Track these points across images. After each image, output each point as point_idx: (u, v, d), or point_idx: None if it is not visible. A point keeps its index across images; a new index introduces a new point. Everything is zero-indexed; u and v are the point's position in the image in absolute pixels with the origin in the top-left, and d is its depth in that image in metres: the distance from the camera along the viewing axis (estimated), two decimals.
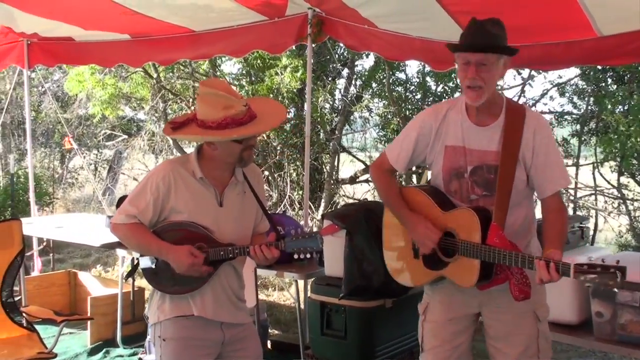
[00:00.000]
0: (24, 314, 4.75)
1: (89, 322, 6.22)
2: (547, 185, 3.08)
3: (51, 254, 8.35)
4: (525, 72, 8.99)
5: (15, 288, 5.53)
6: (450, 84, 9.24)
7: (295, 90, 9.35)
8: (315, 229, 7.87)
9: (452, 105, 3.23)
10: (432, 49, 5.17)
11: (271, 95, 9.06)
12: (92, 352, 6.10)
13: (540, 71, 8.73)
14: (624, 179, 9.11)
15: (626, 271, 2.56)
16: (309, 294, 5.15)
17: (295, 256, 3.13)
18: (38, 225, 7.24)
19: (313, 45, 5.95)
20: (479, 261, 2.97)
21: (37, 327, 4.80)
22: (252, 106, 3.15)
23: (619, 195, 9.06)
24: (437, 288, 3.29)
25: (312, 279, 5.10)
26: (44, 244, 7.84)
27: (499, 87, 9.34)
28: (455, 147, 3.17)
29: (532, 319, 3.17)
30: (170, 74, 10.62)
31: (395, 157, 3.34)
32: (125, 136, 13.34)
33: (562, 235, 3.02)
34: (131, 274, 3.93)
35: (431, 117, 3.26)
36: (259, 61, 9.21)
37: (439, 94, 9.21)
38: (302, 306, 5.63)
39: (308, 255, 3.14)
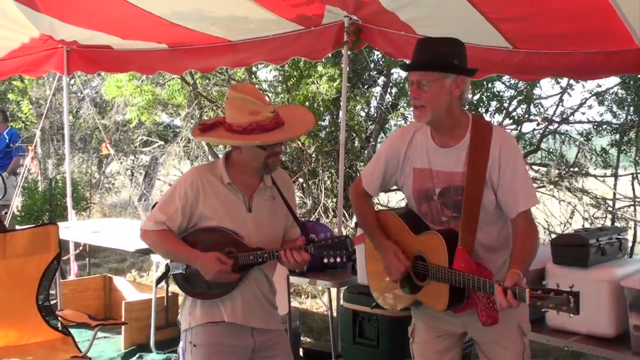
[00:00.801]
0: (59, 318, 4.80)
1: (123, 327, 6.28)
2: (514, 206, 3.02)
3: (87, 259, 8.44)
4: (564, 81, 8.87)
5: (52, 292, 5.61)
6: (487, 93, 9.15)
7: (331, 98, 9.35)
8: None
9: (419, 127, 3.19)
10: (470, 57, 5.12)
11: (307, 103, 9.07)
12: (126, 356, 6.16)
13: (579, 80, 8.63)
14: None
15: (579, 296, 2.53)
16: (341, 302, 5.13)
17: (325, 260, 3.12)
18: (75, 229, 7.34)
19: (349, 53, 5.95)
20: (447, 285, 2.95)
21: (72, 330, 4.85)
22: (281, 113, 3.16)
23: None
24: (420, 310, 3.28)
25: (345, 287, 5.08)
26: (80, 248, 7.94)
27: (537, 96, 9.30)
28: (423, 169, 3.15)
29: (518, 333, 3.14)
30: (207, 80, 10.69)
31: (367, 181, 3.34)
32: (162, 142, 13.46)
33: (526, 256, 2.92)
34: (162, 279, 3.96)
35: (399, 140, 3.24)
36: (295, 72, 9.24)
37: (474, 102, 9.12)
38: (334, 314, 5.61)
39: (338, 259, 3.12)
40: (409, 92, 3.04)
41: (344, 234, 8.34)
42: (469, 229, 3.00)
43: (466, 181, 3.02)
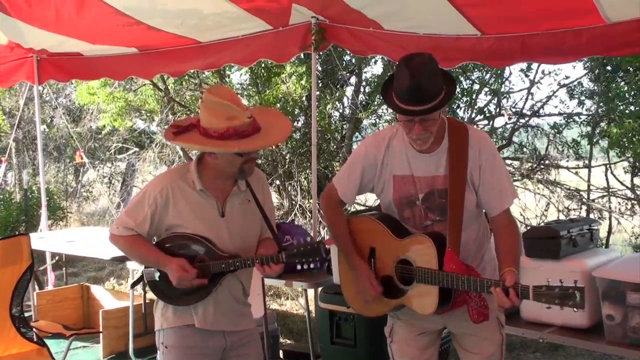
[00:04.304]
0: (34, 329, 4.76)
1: (101, 335, 6.24)
2: (497, 204, 3.05)
3: (64, 268, 8.37)
4: (532, 74, 8.96)
5: (28, 303, 5.55)
6: (462, 85, 9.20)
7: (303, 98, 9.34)
8: (326, 237, 7.85)
9: (393, 134, 3.16)
10: (440, 46, 5.12)
11: (278, 105, 9.06)
12: None
13: (549, 72, 8.70)
14: (637, 180, 9.01)
15: (584, 291, 2.56)
16: (319, 302, 5.13)
17: (298, 267, 3.10)
18: (50, 239, 7.27)
19: (320, 53, 5.94)
20: (437, 288, 2.95)
21: (52, 341, 4.84)
22: (258, 117, 3.10)
23: (633, 196, 8.97)
24: (399, 311, 3.27)
25: (321, 288, 5.08)
26: (57, 258, 7.87)
27: (506, 89, 9.36)
28: (404, 176, 3.14)
29: (496, 325, 3.17)
30: (179, 86, 10.65)
31: (342, 190, 3.30)
32: (137, 149, 13.39)
33: (516, 252, 2.98)
34: (136, 283, 3.94)
35: (374, 147, 3.21)
36: (263, 71, 9.23)
37: None
38: (313, 315, 5.61)
39: (312, 266, 3.09)
40: (410, 129, 2.96)
41: (321, 236, 8.36)
42: (454, 230, 3.01)
43: (449, 184, 3.03)
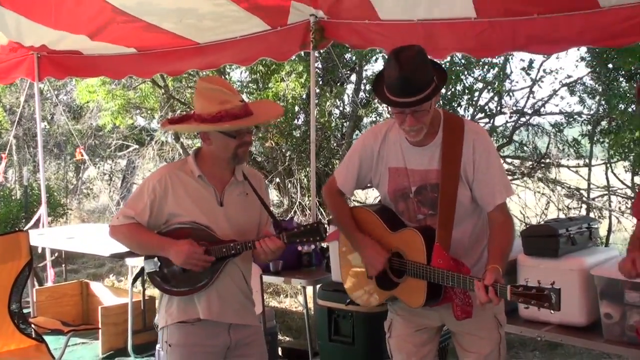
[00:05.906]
0: (32, 325, 4.77)
1: (100, 332, 6.24)
2: (490, 199, 3.04)
3: (63, 265, 8.38)
4: (534, 72, 8.95)
5: (28, 299, 5.56)
6: (459, 87, 9.20)
7: (303, 96, 9.34)
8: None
9: (390, 126, 3.17)
10: (432, 34, 5.12)
11: (278, 102, 9.06)
12: None
13: (551, 71, 8.69)
14: (637, 179, 9.01)
15: (560, 293, 2.55)
16: (317, 300, 5.13)
17: (299, 248, 3.10)
18: (49, 236, 7.28)
19: (321, 51, 5.94)
20: (426, 282, 2.96)
21: (51, 338, 4.85)
22: (250, 106, 3.17)
23: (633, 195, 8.96)
24: (397, 305, 3.28)
25: (320, 285, 5.08)
26: (56, 254, 7.88)
27: (508, 88, 9.36)
28: (398, 168, 3.15)
29: (495, 324, 3.16)
30: (179, 83, 10.65)
31: (342, 181, 3.33)
32: (137, 146, 13.39)
33: (504, 250, 2.96)
34: (137, 278, 3.93)
35: (371, 139, 3.23)
36: (261, 67, 9.24)
37: (449, 96, 9.17)
38: (311, 312, 5.60)
39: (312, 246, 3.10)
40: (402, 120, 2.95)
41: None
42: (445, 225, 3.00)
43: (441, 178, 3.02)
